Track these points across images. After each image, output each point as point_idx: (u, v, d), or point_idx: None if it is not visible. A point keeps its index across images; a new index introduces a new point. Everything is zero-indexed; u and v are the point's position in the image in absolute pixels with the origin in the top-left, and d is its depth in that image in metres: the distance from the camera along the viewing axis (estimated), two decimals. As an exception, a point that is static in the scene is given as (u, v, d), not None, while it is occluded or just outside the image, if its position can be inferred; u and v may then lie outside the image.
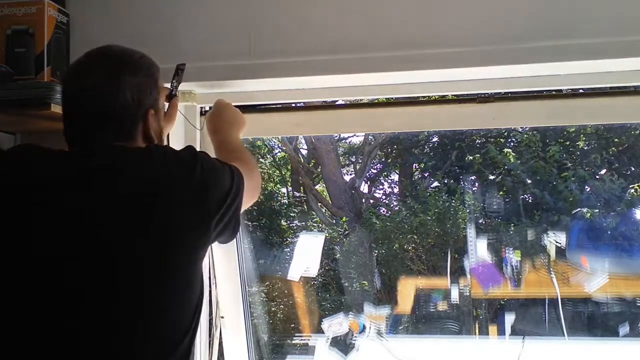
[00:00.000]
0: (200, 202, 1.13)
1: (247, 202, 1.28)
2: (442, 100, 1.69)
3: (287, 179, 8.23)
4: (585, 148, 6.05)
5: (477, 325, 5.16)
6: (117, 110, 1.15)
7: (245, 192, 1.25)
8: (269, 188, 7.64)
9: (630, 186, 5.39)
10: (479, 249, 5.09)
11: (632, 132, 5.94)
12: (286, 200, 7.71)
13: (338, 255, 6.48)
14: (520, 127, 5.90)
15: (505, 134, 6.35)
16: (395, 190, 7.97)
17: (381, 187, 8.20)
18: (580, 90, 1.58)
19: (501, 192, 6.03)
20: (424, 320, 5.34)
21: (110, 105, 1.14)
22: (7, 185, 1.10)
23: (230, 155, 1.38)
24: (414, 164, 7.61)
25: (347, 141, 8.10)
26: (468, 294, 5.10)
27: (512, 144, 6.33)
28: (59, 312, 1.03)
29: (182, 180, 1.12)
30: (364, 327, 4.71)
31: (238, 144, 1.50)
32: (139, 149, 1.17)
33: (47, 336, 1.02)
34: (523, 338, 4.09)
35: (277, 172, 8.13)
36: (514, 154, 5.88)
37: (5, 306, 1.05)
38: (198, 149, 1.32)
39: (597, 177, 5.74)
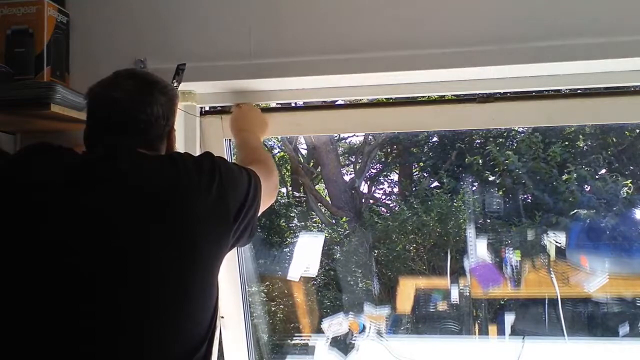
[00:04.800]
0: (220, 208, 1.16)
1: (265, 204, 1.31)
2: (442, 100, 1.69)
3: (287, 179, 8.22)
4: (585, 148, 6.05)
5: (477, 326, 5.16)
6: (146, 121, 1.19)
7: (263, 195, 1.28)
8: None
9: (623, 183, 5.39)
10: (479, 249, 5.08)
11: (630, 134, 5.94)
12: (286, 200, 7.70)
13: (338, 255, 6.48)
14: (520, 128, 5.90)
15: (505, 134, 6.35)
16: (395, 190, 7.96)
17: (381, 187, 8.19)
18: (580, 91, 1.58)
19: (501, 192, 6.03)
20: (424, 320, 5.33)
21: (140, 115, 1.18)
22: (26, 184, 1.11)
23: (251, 154, 1.42)
24: (414, 164, 7.60)
25: (347, 141, 8.10)
26: (468, 294, 5.10)
27: (512, 144, 6.32)
28: (70, 310, 1.03)
29: (203, 187, 1.15)
30: (364, 327, 4.71)
31: (259, 144, 1.56)
32: (160, 155, 1.21)
33: (53, 335, 1.02)
34: (523, 338, 4.09)
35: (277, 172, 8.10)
36: (514, 155, 5.88)
37: (16, 301, 1.05)
38: (197, 142, 1.34)
39: (597, 177, 5.74)
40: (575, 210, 5.39)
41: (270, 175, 1.37)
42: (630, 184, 5.37)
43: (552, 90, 1.61)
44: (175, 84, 1.42)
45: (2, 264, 1.07)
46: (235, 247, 1.31)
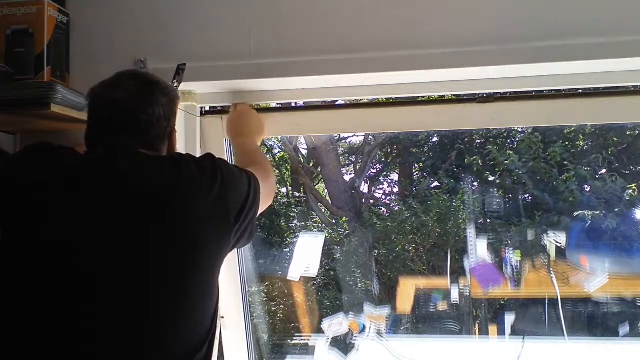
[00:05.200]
0: (221, 209, 1.16)
1: (263, 206, 1.32)
2: (442, 100, 1.69)
3: (287, 179, 8.21)
4: (585, 148, 6.05)
5: (477, 325, 5.15)
6: (147, 122, 1.19)
7: (261, 197, 1.28)
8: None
9: (628, 186, 5.39)
10: (479, 249, 5.08)
11: (631, 133, 5.94)
12: (286, 200, 7.69)
13: (338, 255, 6.48)
14: (520, 128, 5.90)
15: (505, 134, 6.35)
16: (395, 190, 7.96)
17: (381, 187, 8.19)
18: (580, 91, 1.58)
19: (501, 192, 6.03)
20: (424, 320, 5.33)
21: (141, 116, 1.19)
22: (26, 184, 1.11)
23: (249, 158, 1.42)
24: (414, 164, 7.60)
25: (347, 141, 8.09)
26: (468, 294, 5.10)
27: (512, 144, 6.32)
28: (70, 310, 1.03)
29: (205, 187, 1.15)
30: (364, 327, 4.71)
31: (256, 147, 1.56)
32: (161, 156, 1.22)
33: (53, 335, 1.02)
34: (523, 338, 4.09)
35: (277, 172, 8.11)
36: (514, 155, 5.88)
37: (16, 301, 1.05)
38: (198, 142, 1.33)
39: (597, 177, 5.74)
40: (575, 210, 5.39)
41: (268, 177, 1.38)
42: (635, 187, 5.36)
43: (552, 90, 1.61)
44: (175, 84, 1.42)
45: (2, 264, 1.07)
46: (235, 248, 1.31)
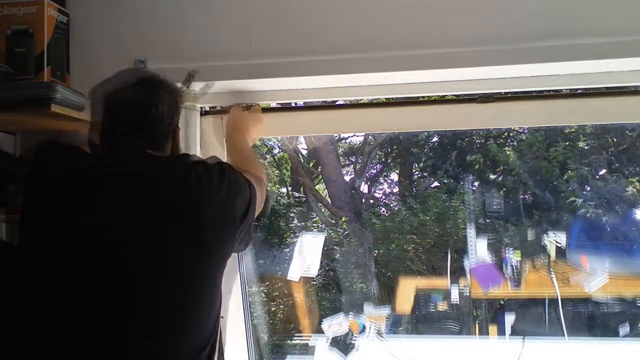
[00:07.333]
0: (228, 213, 1.17)
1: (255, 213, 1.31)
2: (442, 100, 1.69)
3: (287, 179, 8.22)
4: (586, 148, 6.05)
5: (477, 326, 5.16)
6: (151, 121, 1.19)
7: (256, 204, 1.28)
8: (268, 188, 7.59)
9: (630, 180, 5.39)
10: (479, 249, 5.08)
11: (630, 134, 5.94)
12: (286, 201, 7.69)
13: (338, 255, 6.48)
14: (521, 127, 5.90)
15: (506, 134, 6.35)
16: (395, 190, 7.96)
17: (381, 187, 8.19)
18: (580, 91, 1.58)
19: (501, 192, 6.03)
20: (424, 320, 5.33)
21: (145, 114, 1.19)
22: (27, 184, 1.11)
23: (246, 163, 1.42)
24: (414, 164, 7.60)
25: (347, 141, 8.09)
26: (468, 294, 5.10)
27: (512, 144, 6.33)
28: (69, 310, 1.03)
29: (213, 190, 1.16)
30: (364, 327, 4.71)
31: (251, 153, 1.56)
32: (169, 157, 1.22)
33: (53, 335, 1.02)
34: (523, 338, 4.09)
35: (277, 172, 8.11)
36: (514, 154, 5.88)
37: (16, 301, 1.06)
38: (198, 142, 1.32)
39: (598, 177, 5.74)
40: (576, 210, 5.39)
41: (262, 186, 1.38)
42: (636, 182, 5.36)
43: (552, 90, 1.61)
44: (183, 89, 1.42)
45: (3, 264, 1.07)
46: (234, 252, 1.31)
